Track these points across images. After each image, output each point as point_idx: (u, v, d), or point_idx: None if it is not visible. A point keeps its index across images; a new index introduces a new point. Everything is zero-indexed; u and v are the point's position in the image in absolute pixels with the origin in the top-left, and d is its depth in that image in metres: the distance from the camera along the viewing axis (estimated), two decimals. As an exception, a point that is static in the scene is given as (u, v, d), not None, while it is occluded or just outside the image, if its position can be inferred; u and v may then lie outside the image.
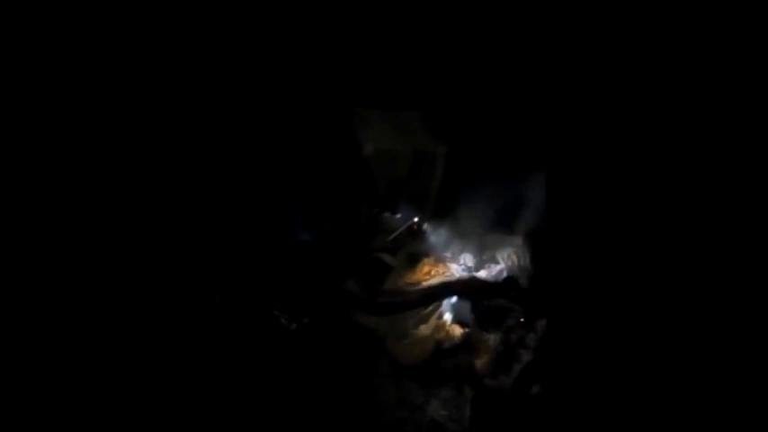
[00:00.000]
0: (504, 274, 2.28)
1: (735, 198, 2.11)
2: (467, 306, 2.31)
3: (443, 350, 2.27)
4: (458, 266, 2.37)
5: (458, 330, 2.37)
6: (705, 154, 2.17)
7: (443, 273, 2.22)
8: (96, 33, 2.06)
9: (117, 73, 2.09)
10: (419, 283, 2.19)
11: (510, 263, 2.41)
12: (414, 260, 2.56)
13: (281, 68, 2.33)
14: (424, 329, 2.36)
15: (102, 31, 2.06)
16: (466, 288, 2.03)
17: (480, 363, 2.21)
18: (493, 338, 2.24)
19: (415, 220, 2.20)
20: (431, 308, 2.40)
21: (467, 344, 2.27)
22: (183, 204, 2.14)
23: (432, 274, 2.29)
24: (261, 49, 2.28)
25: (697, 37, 1.95)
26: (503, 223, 2.48)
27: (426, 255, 2.59)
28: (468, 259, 2.39)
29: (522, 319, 2.23)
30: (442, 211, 2.61)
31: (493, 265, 2.40)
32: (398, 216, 2.24)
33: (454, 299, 2.37)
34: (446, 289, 2.03)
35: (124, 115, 2.11)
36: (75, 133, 2.08)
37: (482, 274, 2.35)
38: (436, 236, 2.50)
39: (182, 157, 2.17)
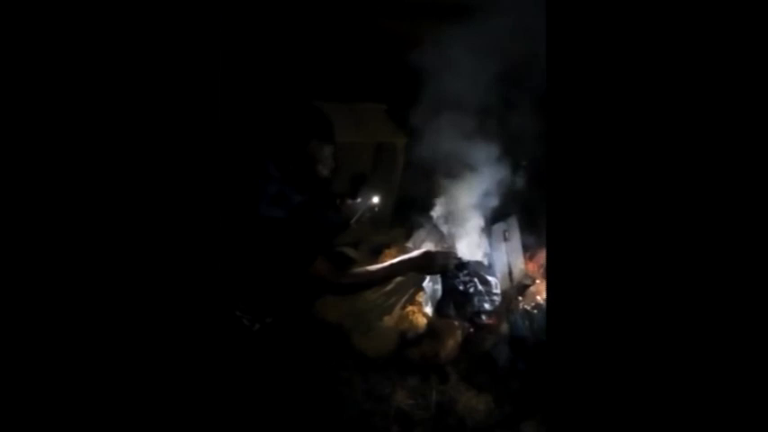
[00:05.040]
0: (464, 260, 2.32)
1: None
2: (438, 293, 2.35)
3: (408, 340, 2.30)
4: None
5: (421, 320, 2.42)
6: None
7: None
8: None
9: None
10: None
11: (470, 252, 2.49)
12: (376, 252, 2.60)
13: (241, 57, 2.30)
14: (388, 321, 2.38)
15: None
16: (424, 262, 2.06)
17: (445, 350, 2.25)
18: (458, 325, 2.29)
19: (375, 200, 2.23)
20: (393, 299, 2.43)
21: (431, 332, 2.31)
22: (144, 191, 2.05)
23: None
24: (222, 35, 2.24)
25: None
26: (463, 212, 2.56)
27: (388, 246, 2.64)
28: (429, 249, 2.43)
29: (486, 304, 2.30)
30: (403, 203, 2.67)
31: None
32: (359, 201, 2.26)
33: (431, 286, 2.41)
34: (406, 265, 2.02)
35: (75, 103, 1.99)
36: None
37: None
38: (397, 227, 2.55)
39: (142, 143, 2.08)
